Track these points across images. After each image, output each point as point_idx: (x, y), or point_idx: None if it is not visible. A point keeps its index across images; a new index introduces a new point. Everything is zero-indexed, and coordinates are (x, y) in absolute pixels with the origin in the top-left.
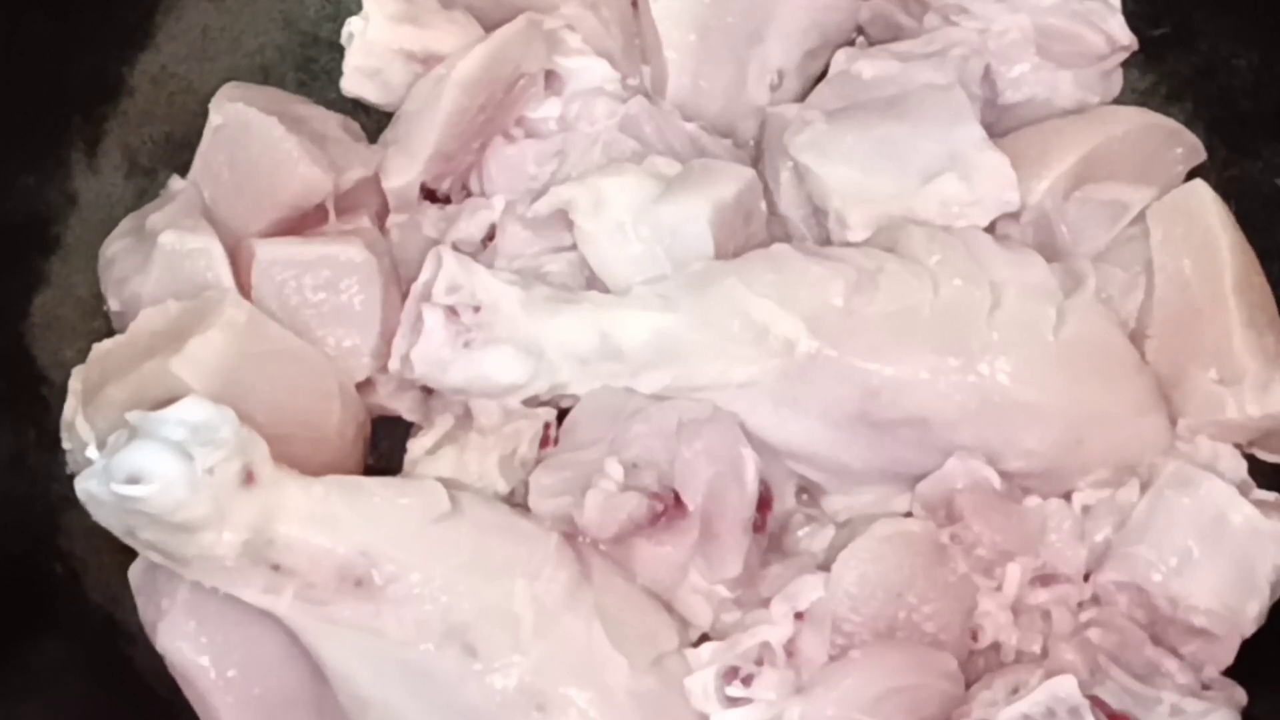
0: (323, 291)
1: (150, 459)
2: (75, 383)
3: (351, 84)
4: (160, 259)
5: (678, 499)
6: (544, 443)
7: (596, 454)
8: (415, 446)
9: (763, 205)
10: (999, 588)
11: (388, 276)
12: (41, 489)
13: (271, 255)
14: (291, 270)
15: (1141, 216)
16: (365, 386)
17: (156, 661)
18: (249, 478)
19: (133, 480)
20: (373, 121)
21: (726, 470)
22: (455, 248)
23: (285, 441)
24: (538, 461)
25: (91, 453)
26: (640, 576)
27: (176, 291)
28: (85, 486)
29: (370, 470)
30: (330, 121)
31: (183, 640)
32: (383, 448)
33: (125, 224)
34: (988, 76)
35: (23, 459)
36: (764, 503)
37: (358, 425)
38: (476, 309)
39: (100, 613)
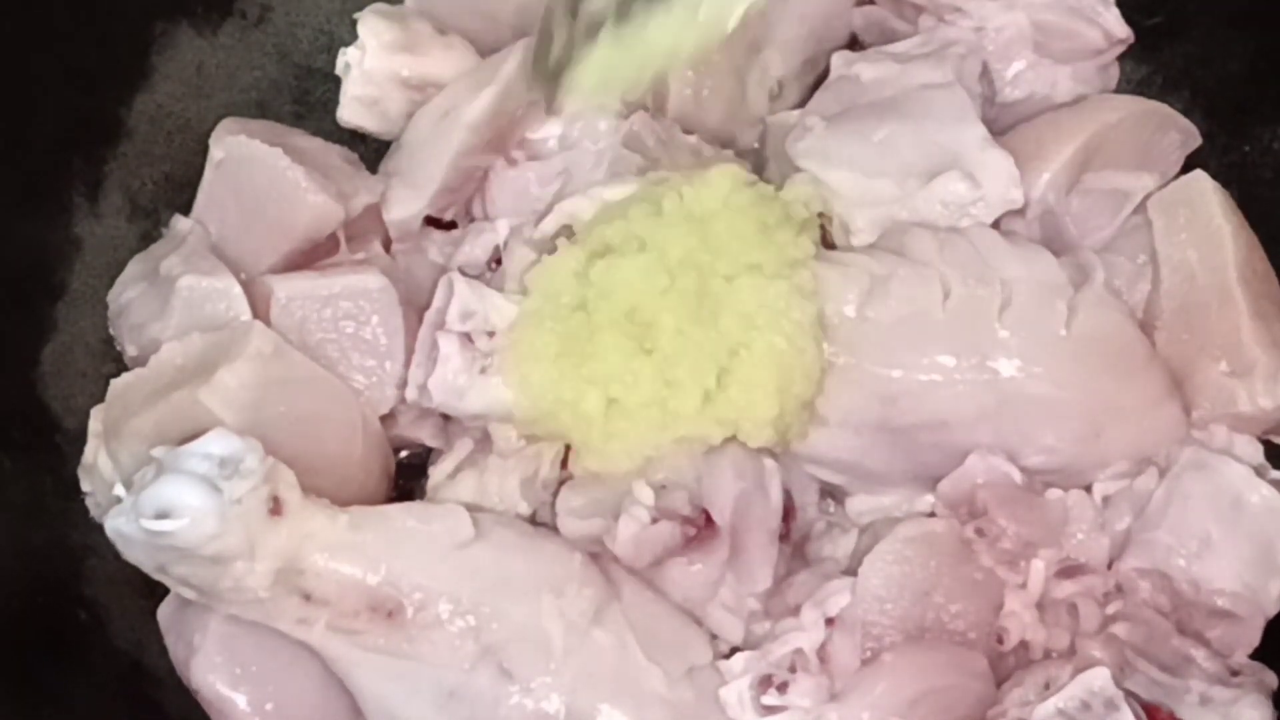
0: (344, 324)
1: (178, 493)
2: (95, 424)
3: (349, 113)
4: (179, 304)
5: (709, 519)
6: (565, 463)
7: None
8: (436, 472)
9: None
10: (1024, 584)
11: (404, 304)
12: (61, 536)
13: (290, 291)
14: (313, 305)
15: (1144, 205)
16: (387, 419)
17: (186, 704)
18: (276, 507)
19: (162, 515)
20: (370, 151)
21: (751, 484)
22: (461, 271)
23: (312, 475)
24: (560, 482)
25: (119, 490)
26: (672, 595)
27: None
28: (115, 525)
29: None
30: (331, 152)
31: (216, 675)
32: (400, 485)
33: (133, 267)
34: (985, 74)
35: (41, 507)
36: (787, 512)
37: (382, 458)
38: (491, 334)
39: (126, 658)
